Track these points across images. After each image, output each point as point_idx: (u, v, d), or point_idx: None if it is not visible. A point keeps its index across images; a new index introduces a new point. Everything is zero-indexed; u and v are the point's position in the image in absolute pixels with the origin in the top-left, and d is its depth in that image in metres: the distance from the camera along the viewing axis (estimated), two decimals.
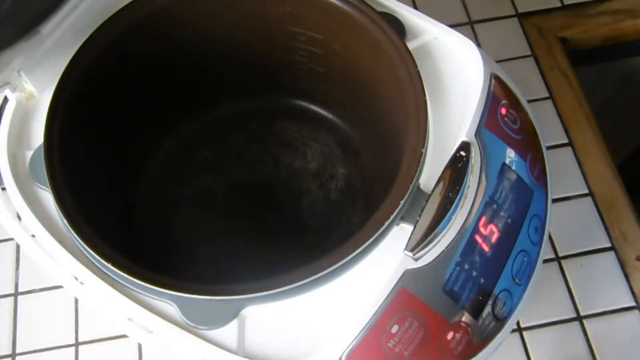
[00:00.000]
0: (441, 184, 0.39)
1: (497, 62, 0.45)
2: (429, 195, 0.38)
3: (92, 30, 0.44)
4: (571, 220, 0.60)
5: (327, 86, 0.54)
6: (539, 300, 0.55)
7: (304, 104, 0.58)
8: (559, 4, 0.73)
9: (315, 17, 0.47)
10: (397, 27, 0.45)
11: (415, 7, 0.68)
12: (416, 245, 0.37)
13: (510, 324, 0.40)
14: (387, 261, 0.37)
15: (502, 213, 0.40)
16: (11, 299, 0.58)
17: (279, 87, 0.57)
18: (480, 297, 0.39)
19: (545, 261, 0.54)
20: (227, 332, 0.37)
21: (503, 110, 0.43)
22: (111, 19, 0.45)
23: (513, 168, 0.42)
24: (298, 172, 0.57)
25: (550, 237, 0.59)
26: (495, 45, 0.70)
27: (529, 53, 0.70)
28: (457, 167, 0.39)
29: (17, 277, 0.59)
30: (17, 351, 0.55)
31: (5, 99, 0.45)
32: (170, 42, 0.49)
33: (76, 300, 0.57)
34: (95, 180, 0.46)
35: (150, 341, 0.39)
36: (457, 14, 0.72)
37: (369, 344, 0.36)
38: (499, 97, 0.43)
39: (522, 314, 0.42)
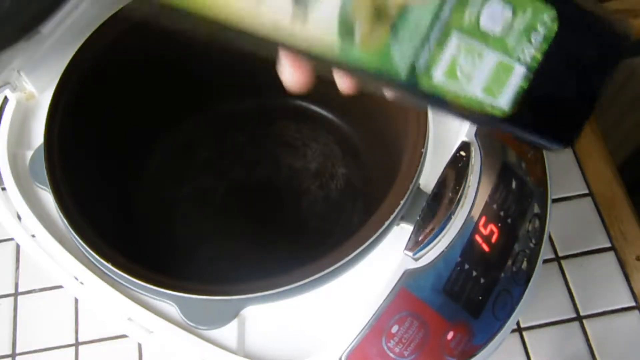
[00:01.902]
0: (441, 184, 0.39)
1: None
2: (429, 195, 0.38)
3: (92, 30, 0.44)
4: (571, 220, 0.60)
5: (327, 86, 0.54)
6: (539, 300, 0.55)
7: (304, 104, 0.58)
8: None
9: None
10: None
11: None
12: (416, 245, 0.37)
13: (510, 324, 0.40)
14: (387, 261, 0.37)
15: (502, 213, 0.40)
16: (11, 299, 0.58)
17: (279, 87, 0.57)
18: (480, 297, 0.39)
19: (545, 261, 0.54)
20: (227, 332, 0.37)
21: None
22: (111, 19, 0.45)
23: (513, 168, 0.42)
24: (298, 172, 0.57)
25: (550, 237, 0.59)
26: None
27: None
28: (457, 167, 0.39)
29: (17, 277, 0.59)
30: (17, 351, 0.55)
31: (5, 99, 0.45)
32: (169, 42, 0.49)
33: (76, 300, 0.57)
34: (95, 180, 0.46)
35: (150, 341, 0.39)
36: None
37: (369, 344, 0.36)
38: None
39: (522, 314, 0.42)
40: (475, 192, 0.39)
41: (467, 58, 0.23)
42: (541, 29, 0.23)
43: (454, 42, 0.22)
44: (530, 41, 0.23)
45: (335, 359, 0.35)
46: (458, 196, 0.38)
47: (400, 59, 0.22)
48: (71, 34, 0.45)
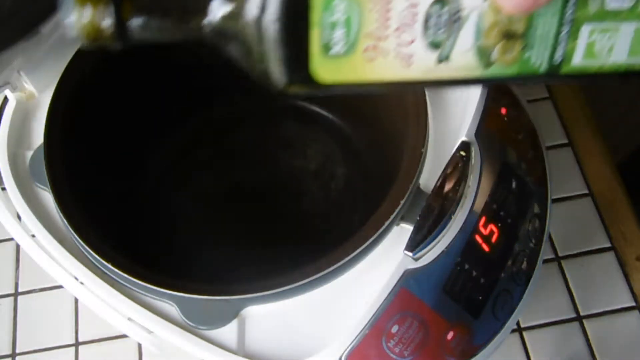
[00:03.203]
0: (441, 184, 0.39)
1: None
2: (429, 195, 0.38)
3: None
4: (571, 220, 0.60)
5: None
6: (539, 300, 0.55)
7: (304, 104, 0.58)
8: None
9: None
10: None
11: None
12: (416, 245, 0.37)
13: (510, 324, 0.40)
14: (387, 261, 0.37)
15: (502, 213, 0.40)
16: (11, 299, 0.58)
17: None
18: (480, 297, 0.39)
19: (545, 261, 0.54)
20: (227, 332, 0.37)
21: (503, 110, 0.43)
22: None
23: (513, 168, 0.42)
24: (298, 172, 0.57)
25: (550, 237, 0.59)
26: None
27: None
28: (457, 167, 0.39)
29: (17, 277, 0.59)
30: (17, 351, 0.55)
31: (6, 99, 0.45)
32: (170, 43, 0.49)
33: (76, 300, 0.57)
34: (95, 180, 0.46)
35: (150, 341, 0.39)
36: None
37: (369, 344, 0.36)
38: (498, 97, 0.43)
39: (522, 314, 0.42)
40: (475, 192, 0.39)
41: (603, 38, 0.23)
42: None
43: (586, 32, 0.23)
44: None
45: (335, 359, 0.35)
46: (458, 196, 0.38)
47: (538, 61, 0.24)
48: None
